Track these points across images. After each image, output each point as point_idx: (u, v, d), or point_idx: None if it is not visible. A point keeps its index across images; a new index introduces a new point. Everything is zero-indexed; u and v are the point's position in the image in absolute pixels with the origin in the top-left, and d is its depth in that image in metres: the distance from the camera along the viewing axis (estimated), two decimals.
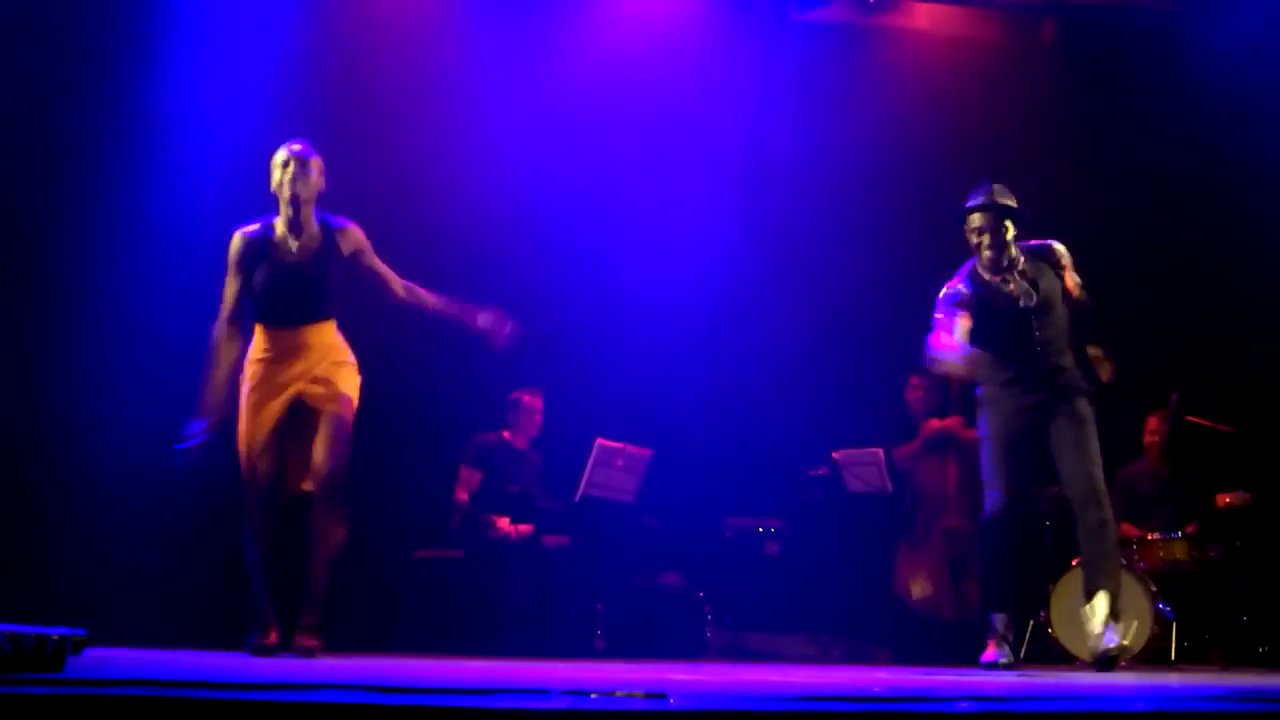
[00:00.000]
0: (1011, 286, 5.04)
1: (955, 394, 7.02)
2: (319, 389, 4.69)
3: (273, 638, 4.59)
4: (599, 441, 6.56)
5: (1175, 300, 7.74)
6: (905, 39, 8.22)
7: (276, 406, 4.67)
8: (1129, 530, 6.94)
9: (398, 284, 4.86)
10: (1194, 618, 6.50)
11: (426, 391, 6.95)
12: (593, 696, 2.08)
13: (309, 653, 4.53)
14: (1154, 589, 6.21)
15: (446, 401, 7.06)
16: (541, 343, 7.14)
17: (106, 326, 6.45)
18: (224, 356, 4.70)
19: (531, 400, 6.96)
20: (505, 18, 7.53)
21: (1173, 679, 4.45)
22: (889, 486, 6.94)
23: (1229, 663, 6.16)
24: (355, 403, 4.75)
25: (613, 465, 6.59)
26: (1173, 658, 6.21)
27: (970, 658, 6.30)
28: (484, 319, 4.89)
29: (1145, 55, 7.82)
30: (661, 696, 2.10)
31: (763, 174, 7.68)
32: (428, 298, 4.88)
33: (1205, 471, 7.01)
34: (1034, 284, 5.02)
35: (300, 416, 4.70)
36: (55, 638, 2.37)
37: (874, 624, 7.02)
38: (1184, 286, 7.75)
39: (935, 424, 7.07)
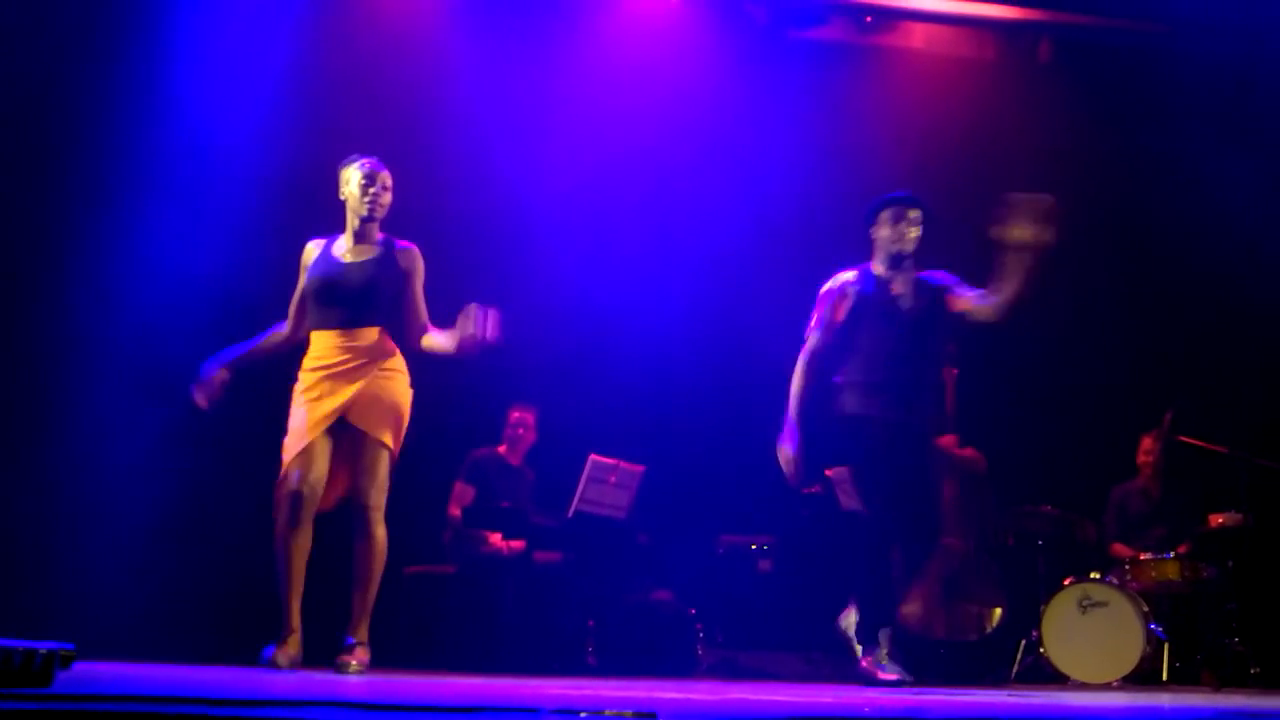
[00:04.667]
0: (896, 287, 5.11)
1: (950, 412, 7.03)
2: (366, 409, 4.70)
3: (290, 652, 4.62)
4: (592, 457, 6.56)
5: (1169, 320, 7.76)
6: (901, 58, 8.25)
7: (322, 422, 4.68)
8: (1121, 550, 6.95)
9: (420, 329, 4.83)
10: (1186, 638, 6.50)
11: (420, 406, 6.96)
12: (582, 715, 2.08)
13: (350, 669, 4.57)
14: (1146, 609, 6.22)
15: (441, 417, 7.06)
16: (536, 358, 7.16)
17: (103, 334, 6.45)
18: (267, 340, 4.95)
19: (523, 415, 6.96)
20: (503, 36, 7.54)
21: (1164, 700, 4.45)
22: None
23: (1221, 684, 6.16)
24: (406, 416, 4.78)
25: (605, 481, 6.58)
26: (1164, 678, 6.21)
27: (964, 677, 6.30)
28: (464, 328, 4.70)
29: (1142, 76, 7.84)
30: (651, 716, 2.09)
31: (759, 191, 7.69)
32: (440, 342, 4.79)
33: (1198, 492, 7.01)
34: (918, 297, 5.10)
35: (345, 433, 4.72)
36: (43, 652, 2.36)
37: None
38: (1178, 307, 7.77)
39: None
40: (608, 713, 2.15)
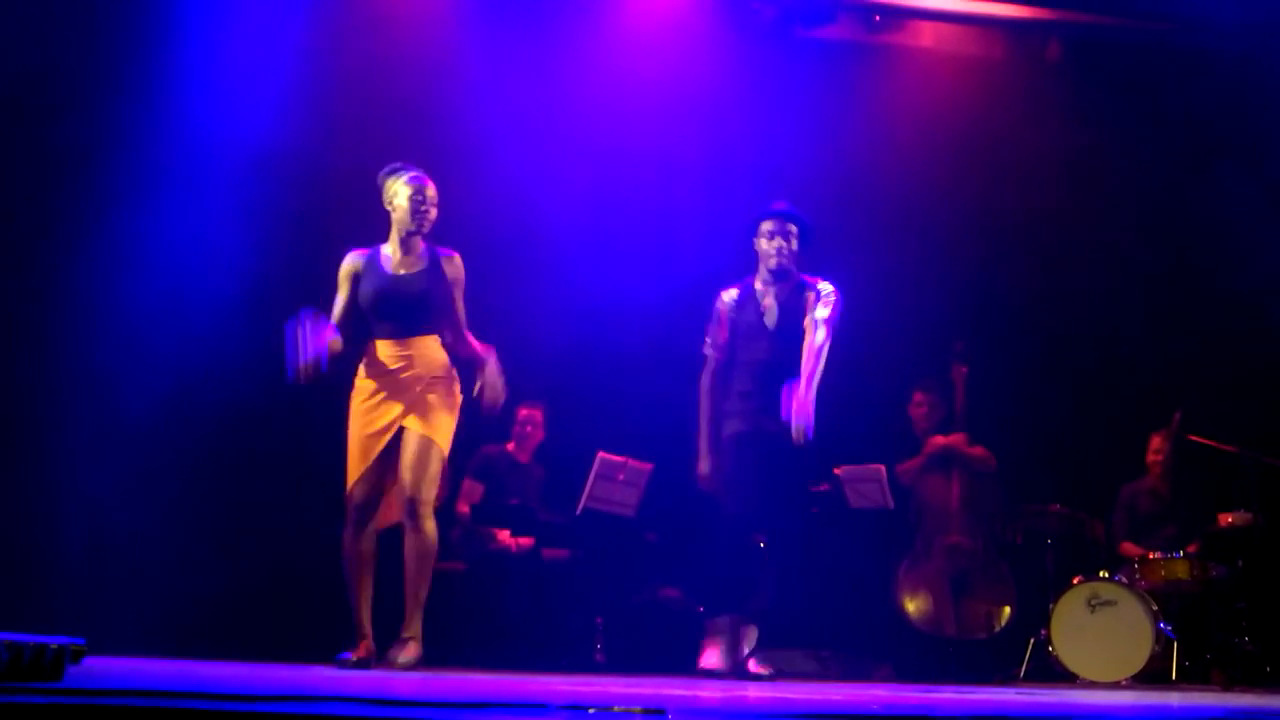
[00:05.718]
0: (766, 301, 5.30)
1: (960, 411, 7.03)
2: (418, 415, 4.81)
3: (362, 657, 4.76)
4: (600, 455, 6.56)
5: (1178, 319, 7.74)
6: (910, 57, 8.24)
7: (380, 440, 4.82)
8: (1130, 549, 6.94)
9: (459, 338, 4.95)
10: (1195, 637, 6.49)
11: None
12: (590, 712, 2.08)
13: (398, 663, 4.71)
14: (1155, 608, 6.21)
15: None
16: (544, 356, 7.15)
17: (110, 330, 6.45)
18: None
19: (531, 413, 6.97)
20: (510, 34, 7.54)
21: (1173, 699, 4.44)
22: (890, 503, 6.93)
23: (1230, 683, 6.15)
24: (454, 419, 4.88)
25: (614, 479, 6.58)
26: (1174, 677, 6.20)
27: (972, 675, 6.30)
28: (485, 378, 4.90)
29: (1151, 75, 7.82)
30: (660, 713, 2.09)
31: (768, 189, 7.67)
32: (473, 349, 4.95)
33: (1207, 491, 7.00)
34: (786, 310, 5.24)
35: (401, 440, 4.83)
36: (54, 647, 2.37)
37: (875, 641, 7.00)
38: (1188, 305, 7.75)
39: (939, 440, 7.08)
40: (616, 709, 2.15)
